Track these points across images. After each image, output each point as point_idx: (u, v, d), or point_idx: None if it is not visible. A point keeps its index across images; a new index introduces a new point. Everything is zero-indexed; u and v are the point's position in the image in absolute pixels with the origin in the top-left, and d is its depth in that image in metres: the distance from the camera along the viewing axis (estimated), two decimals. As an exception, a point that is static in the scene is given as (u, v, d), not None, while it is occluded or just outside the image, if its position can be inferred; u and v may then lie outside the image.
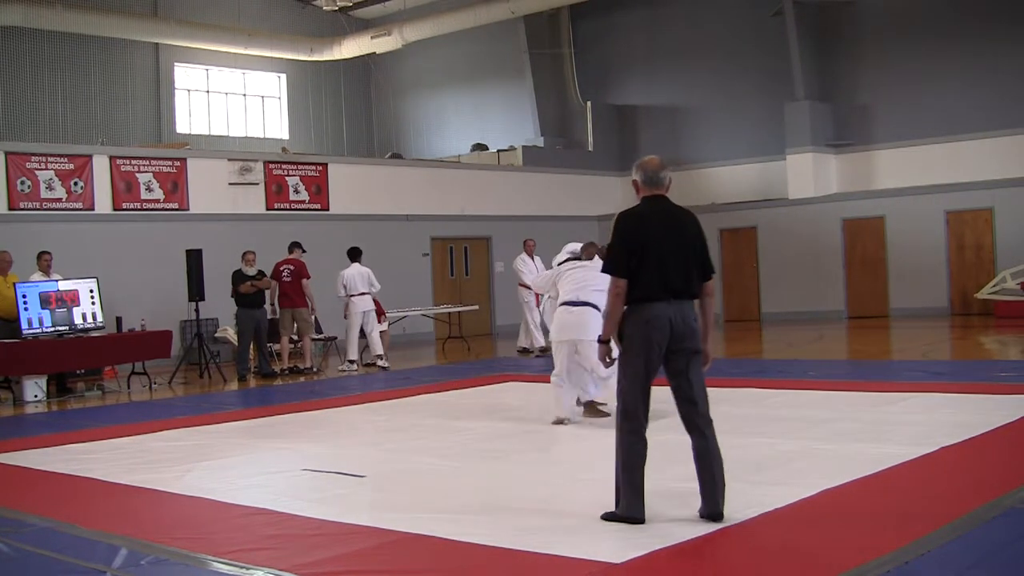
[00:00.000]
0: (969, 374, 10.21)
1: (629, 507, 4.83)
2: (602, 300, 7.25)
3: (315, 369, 14.16)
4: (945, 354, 13.04)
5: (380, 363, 14.22)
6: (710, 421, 4.91)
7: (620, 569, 4.15)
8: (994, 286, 17.58)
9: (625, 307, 4.88)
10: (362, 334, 14.88)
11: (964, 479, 5.55)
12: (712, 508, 4.82)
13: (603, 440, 7.44)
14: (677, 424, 7.64)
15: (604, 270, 4.96)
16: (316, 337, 15.82)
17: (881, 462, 5.88)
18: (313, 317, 14.39)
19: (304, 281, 13.86)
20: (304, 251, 14.30)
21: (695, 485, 5.56)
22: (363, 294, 14.10)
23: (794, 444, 6.66)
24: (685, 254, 4.87)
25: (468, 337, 17.66)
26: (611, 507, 5.01)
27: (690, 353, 4.85)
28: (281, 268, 13.93)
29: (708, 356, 4.98)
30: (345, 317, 14.40)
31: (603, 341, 5.05)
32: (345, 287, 14.15)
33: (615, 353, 5.05)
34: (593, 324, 7.58)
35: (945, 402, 8.24)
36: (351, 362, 14.21)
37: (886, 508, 4.95)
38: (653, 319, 4.78)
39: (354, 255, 14.40)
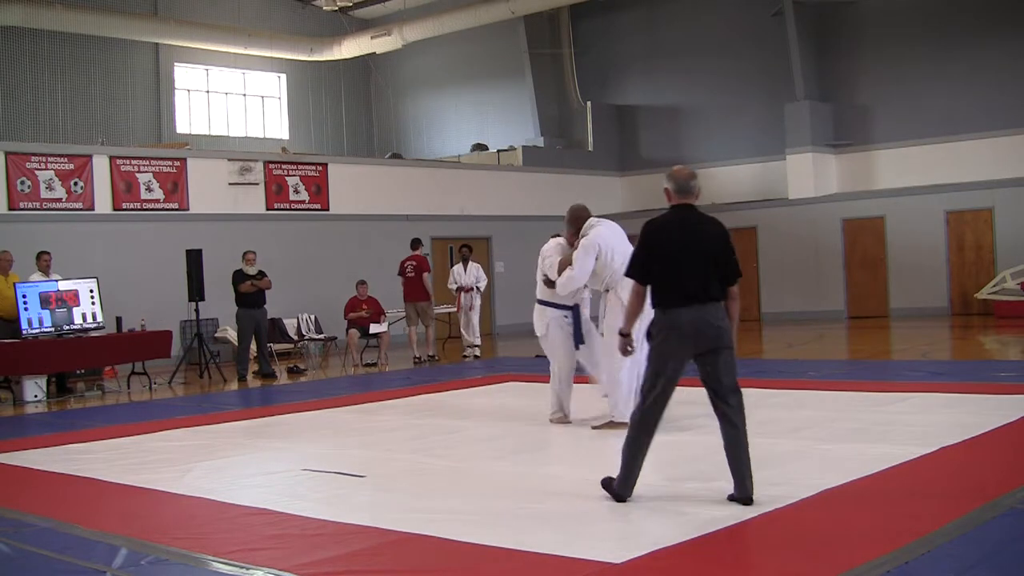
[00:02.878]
0: (969, 374, 10.20)
1: (618, 485, 5.20)
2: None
3: (436, 357, 14.97)
4: (945, 354, 13.03)
5: (475, 352, 15.26)
6: (741, 412, 5.17)
7: (620, 569, 4.15)
8: (994, 286, 17.58)
9: (655, 309, 5.22)
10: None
11: (964, 479, 5.54)
12: (742, 492, 5.06)
13: (603, 440, 7.45)
14: (677, 425, 7.67)
15: (626, 274, 5.34)
16: (316, 337, 15.87)
17: (881, 462, 5.87)
18: (432, 309, 15.27)
19: (425, 275, 14.64)
20: (423, 246, 15.29)
21: (695, 485, 5.58)
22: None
23: (794, 444, 6.65)
24: (703, 261, 5.14)
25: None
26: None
27: (719, 350, 5.13)
28: (406, 264, 14.78)
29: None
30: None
31: (623, 334, 5.39)
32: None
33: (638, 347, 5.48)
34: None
35: (945, 402, 8.23)
36: (474, 347, 15.36)
37: (886, 508, 4.94)
38: (675, 324, 5.10)
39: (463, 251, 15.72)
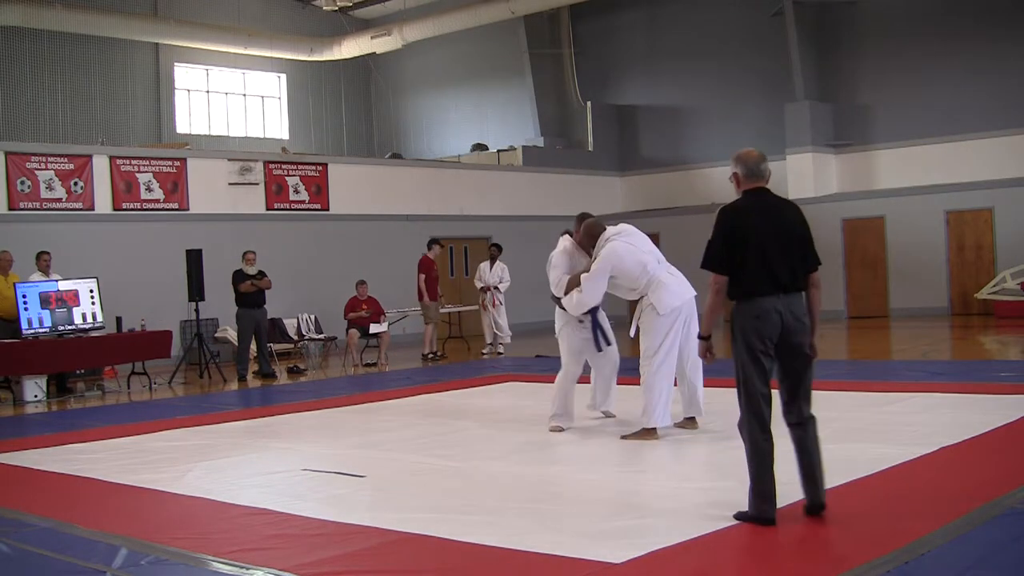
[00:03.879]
0: (969, 374, 10.20)
1: (756, 507, 4.73)
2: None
3: (439, 354, 15.25)
4: (945, 354, 13.03)
5: (500, 349, 15.54)
6: (813, 417, 4.86)
7: (620, 569, 4.15)
8: (994, 286, 17.57)
9: (733, 303, 4.81)
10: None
11: (964, 479, 5.54)
12: (813, 499, 4.81)
13: (602, 440, 7.45)
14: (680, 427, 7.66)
15: (703, 266, 4.85)
16: (316, 337, 15.85)
17: (881, 462, 5.88)
18: (437, 308, 15.54)
19: (420, 276, 15.08)
20: (441, 246, 15.74)
21: (695, 485, 5.57)
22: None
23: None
24: (789, 247, 4.76)
25: (468, 337, 17.66)
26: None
27: (799, 349, 4.75)
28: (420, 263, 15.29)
29: (815, 350, 4.85)
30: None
31: (704, 337, 5.00)
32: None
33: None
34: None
35: (945, 402, 8.23)
36: (490, 345, 15.71)
37: (886, 508, 4.94)
38: (763, 313, 4.68)
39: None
